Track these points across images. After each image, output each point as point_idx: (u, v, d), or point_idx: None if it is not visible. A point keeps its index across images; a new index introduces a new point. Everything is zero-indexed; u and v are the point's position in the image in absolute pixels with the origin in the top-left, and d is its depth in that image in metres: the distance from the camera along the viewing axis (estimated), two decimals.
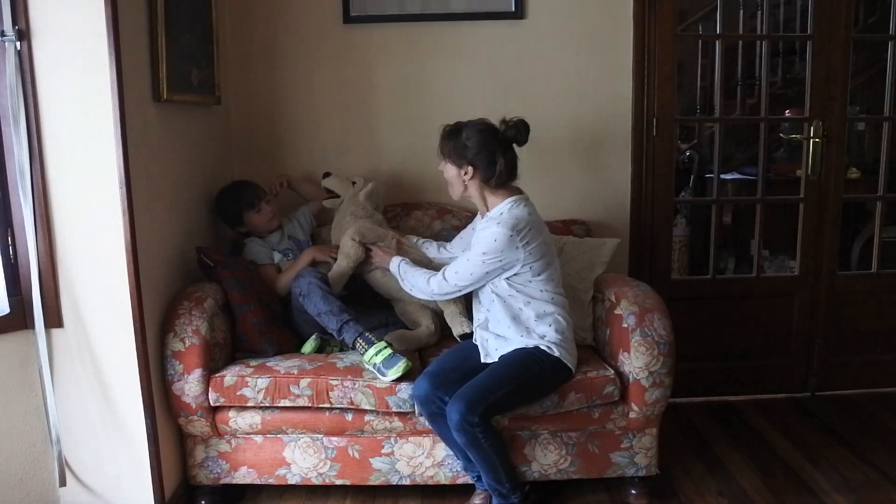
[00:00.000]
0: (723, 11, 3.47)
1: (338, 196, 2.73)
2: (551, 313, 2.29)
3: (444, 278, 2.31)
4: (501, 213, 2.28)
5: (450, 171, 2.34)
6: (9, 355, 2.10)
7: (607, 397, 2.30)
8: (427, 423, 2.26)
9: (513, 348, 2.27)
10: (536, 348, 2.25)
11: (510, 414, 2.27)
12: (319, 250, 2.63)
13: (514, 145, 2.33)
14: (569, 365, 2.27)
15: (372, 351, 2.26)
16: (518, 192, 2.35)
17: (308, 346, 2.48)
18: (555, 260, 2.36)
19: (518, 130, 2.30)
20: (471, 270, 2.26)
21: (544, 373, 2.23)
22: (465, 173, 2.29)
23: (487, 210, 2.35)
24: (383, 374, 2.24)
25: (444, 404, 2.15)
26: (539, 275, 2.27)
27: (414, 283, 2.39)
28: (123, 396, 2.17)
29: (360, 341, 2.30)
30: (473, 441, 2.12)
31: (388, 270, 2.50)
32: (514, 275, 2.26)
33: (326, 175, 2.74)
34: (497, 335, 2.31)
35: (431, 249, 2.67)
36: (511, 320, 2.28)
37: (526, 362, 2.22)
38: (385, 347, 2.27)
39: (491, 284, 2.30)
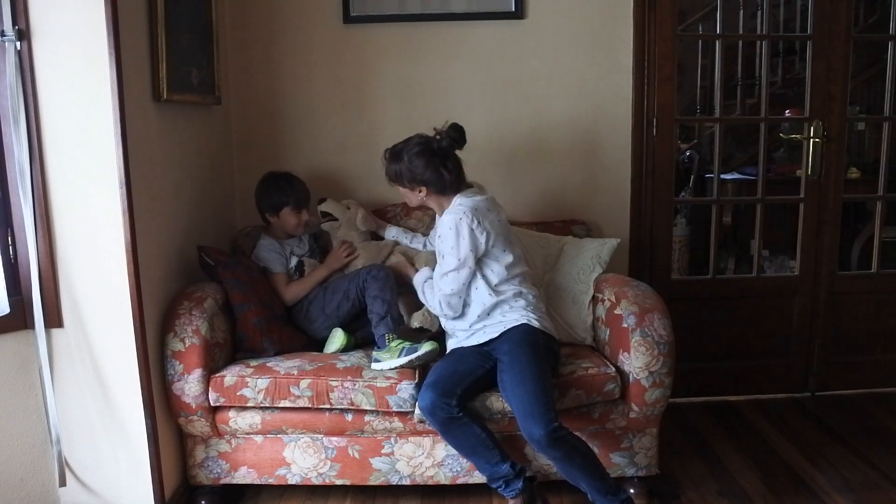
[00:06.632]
0: (723, 11, 3.48)
1: (335, 219, 2.75)
2: (523, 294, 2.39)
3: (440, 288, 2.36)
4: (454, 207, 2.37)
5: (404, 191, 2.47)
6: (9, 355, 2.10)
7: (608, 395, 2.30)
8: (441, 434, 2.23)
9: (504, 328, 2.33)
10: (521, 325, 2.32)
11: (509, 413, 2.25)
12: (335, 259, 2.66)
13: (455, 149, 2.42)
14: (549, 333, 2.36)
15: (401, 339, 2.36)
16: (468, 186, 2.44)
17: (337, 343, 2.49)
18: (518, 243, 2.47)
19: (452, 138, 2.38)
20: (450, 267, 2.32)
21: (540, 347, 2.28)
22: (420, 192, 2.41)
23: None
24: (415, 351, 2.30)
25: (451, 408, 2.16)
26: (505, 252, 2.36)
27: (430, 302, 2.45)
28: (123, 396, 2.17)
29: (392, 332, 2.38)
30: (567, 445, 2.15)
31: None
32: (493, 260, 2.34)
33: (322, 200, 2.76)
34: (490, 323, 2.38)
35: (418, 245, 2.78)
36: (493, 307, 2.36)
37: (528, 344, 2.27)
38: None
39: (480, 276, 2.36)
